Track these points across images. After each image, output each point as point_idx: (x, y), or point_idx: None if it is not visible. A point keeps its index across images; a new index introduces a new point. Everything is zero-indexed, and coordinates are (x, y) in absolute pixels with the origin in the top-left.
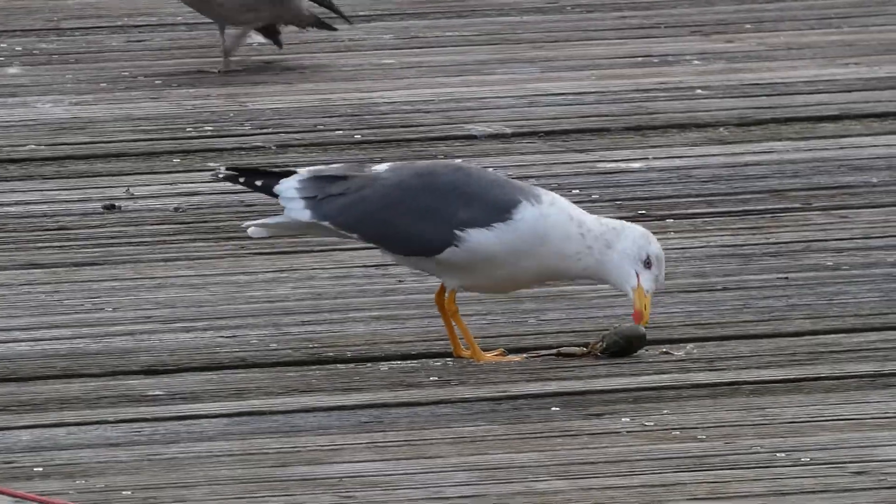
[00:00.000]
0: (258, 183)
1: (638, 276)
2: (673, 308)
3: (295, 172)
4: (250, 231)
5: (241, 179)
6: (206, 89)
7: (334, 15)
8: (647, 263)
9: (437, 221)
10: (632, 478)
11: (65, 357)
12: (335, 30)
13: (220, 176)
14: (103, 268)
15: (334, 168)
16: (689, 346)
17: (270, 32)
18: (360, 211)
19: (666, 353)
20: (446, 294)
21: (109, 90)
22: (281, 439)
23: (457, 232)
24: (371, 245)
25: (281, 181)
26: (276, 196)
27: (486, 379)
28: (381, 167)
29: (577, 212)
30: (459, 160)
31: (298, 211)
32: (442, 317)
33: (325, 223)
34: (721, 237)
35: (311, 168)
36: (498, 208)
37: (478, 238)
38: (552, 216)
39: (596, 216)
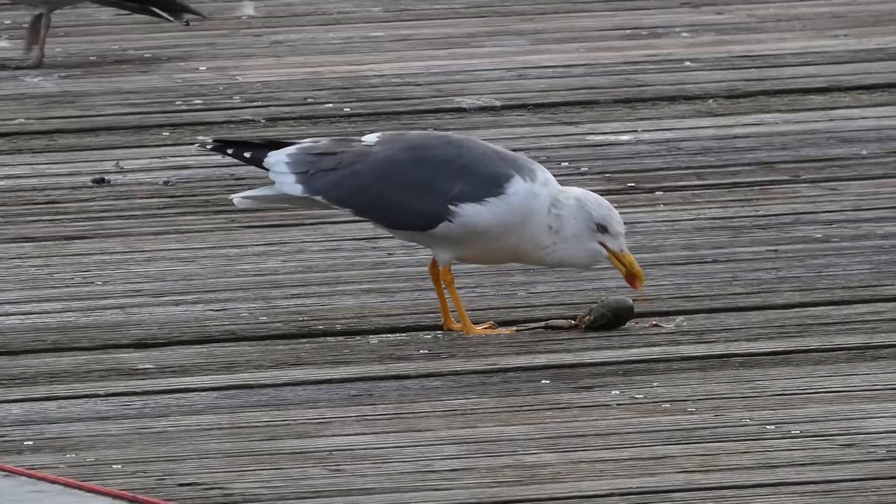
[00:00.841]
0: (247, 155)
1: (604, 245)
2: (662, 280)
3: (282, 145)
4: (237, 202)
5: (230, 151)
6: (196, 63)
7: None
8: (602, 228)
9: (430, 196)
10: (622, 450)
11: (55, 330)
12: (204, 17)
13: (208, 147)
14: (93, 241)
15: (322, 143)
16: (679, 318)
17: (145, 9)
18: (352, 185)
19: (656, 325)
20: (440, 266)
21: (98, 63)
22: (270, 412)
23: (450, 207)
24: (364, 219)
25: (270, 154)
26: (265, 169)
27: (475, 352)
28: (370, 138)
29: (553, 202)
30: (450, 132)
31: (290, 185)
32: (435, 288)
33: (318, 198)
34: (710, 209)
35: (300, 145)
36: (491, 182)
37: (471, 213)
38: (542, 197)
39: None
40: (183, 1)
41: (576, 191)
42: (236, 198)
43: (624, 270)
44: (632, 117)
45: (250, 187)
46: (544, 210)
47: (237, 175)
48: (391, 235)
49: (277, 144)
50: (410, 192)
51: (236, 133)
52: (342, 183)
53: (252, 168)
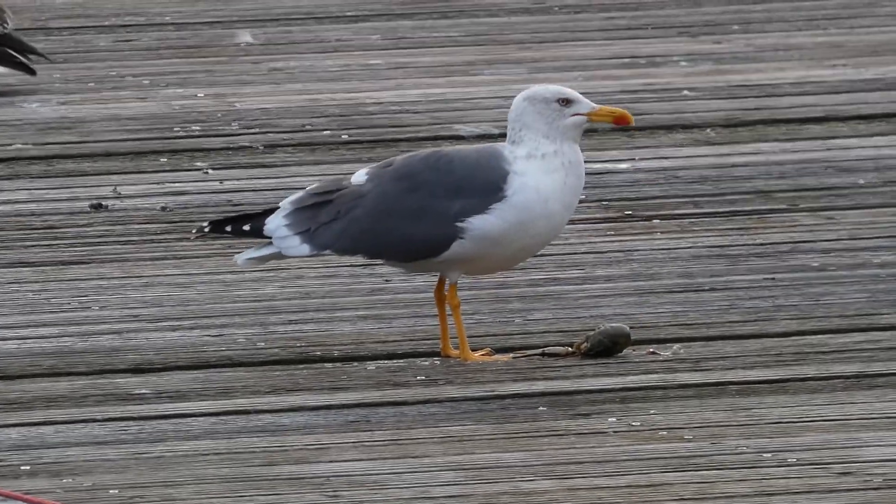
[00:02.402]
0: (246, 228)
1: (574, 115)
2: (660, 308)
3: (277, 208)
4: (240, 263)
5: (228, 228)
6: (194, 89)
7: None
8: (564, 101)
9: (433, 221)
10: (619, 478)
11: (52, 355)
12: (33, 73)
13: (206, 230)
14: (90, 266)
15: (313, 192)
16: (676, 346)
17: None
18: (356, 231)
19: (653, 353)
20: (446, 288)
21: (97, 90)
22: (267, 438)
23: (458, 224)
24: (377, 261)
25: (267, 220)
26: (268, 237)
27: (473, 378)
28: (359, 177)
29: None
30: (432, 148)
31: (297, 248)
32: (438, 312)
33: (326, 252)
34: (708, 238)
35: (290, 199)
36: (489, 189)
37: (480, 224)
38: (527, 173)
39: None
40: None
41: (517, 97)
42: (240, 259)
43: (611, 118)
44: (629, 146)
45: (249, 211)
46: (539, 164)
47: (234, 201)
48: (402, 272)
49: (271, 210)
50: (414, 221)
51: (234, 159)
52: (346, 232)
53: (249, 195)
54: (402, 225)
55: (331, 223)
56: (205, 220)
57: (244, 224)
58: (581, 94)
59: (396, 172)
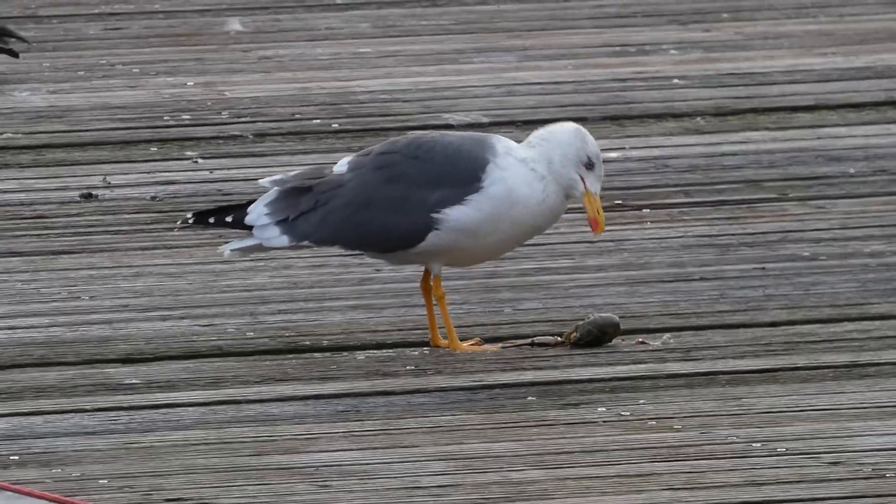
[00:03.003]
0: (228, 220)
1: (583, 180)
2: (649, 298)
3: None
4: (226, 254)
5: (211, 220)
6: (184, 78)
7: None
8: (589, 165)
9: (411, 211)
10: (608, 467)
11: (42, 345)
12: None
13: (191, 222)
14: (80, 256)
15: (296, 176)
16: (666, 335)
17: None
18: (334, 222)
19: (642, 342)
20: (431, 279)
21: (87, 78)
22: (257, 428)
23: (433, 215)
24: (356, 251)
25: (249, 209)
26: (249, 228)
27: (462, 368)
28: (341, 166)
29: (518, 148)
30: (412, 135)
31: (277, 238)
32: (425, 303)
33: (305, 243)
34: (698, 227)
35: (273, 179)
36: (467, 179)
37: (457, 216)
38: (511, 167)
39: (525, 141)
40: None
41: (572, 124)
42: (225, 250)
43: (591, 213)
44: (620, 134)
45: (238, 201)
46: (522, 174)
47: (224, 190)
48: (386, 263)
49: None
50: (391, 212)
51: (224, 148)
52: (324, 222)
53: (240, 184)
54: (380, 216)
55: (309, 213)
56: (194, 210)
57: (227, 215)
58: (574, 83)
59: (376, 161)
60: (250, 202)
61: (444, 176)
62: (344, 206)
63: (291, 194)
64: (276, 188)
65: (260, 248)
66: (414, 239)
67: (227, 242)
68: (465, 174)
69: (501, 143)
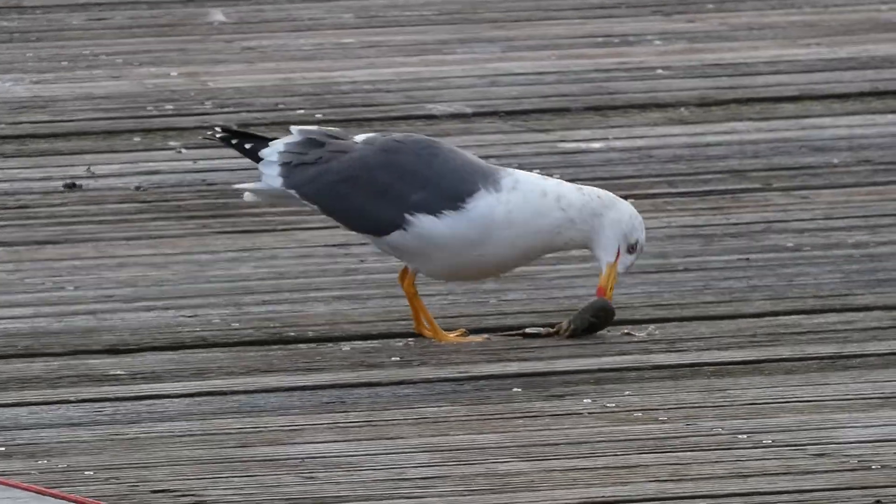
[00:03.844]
0: (247, 146)
1: (618, 254)
2: (634, 289)
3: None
4: (245, 195)
5: (234, 142)
6: (167, 68)
7: None
8: (632, 248)
9: (390, 202)
10: (594, 459)
11: (26, 336)
12: None
13: (218, 136)
14: (64, 246)
15: (323, 131)
16: (651, 327)
17: None
18: (323, 183)
19: (628, 334)
20: (409, 274)
21: (70, 68)
22: (242, 419)
23: (406, 216)
24: (329, 218)
25: (270, 143)
26: (260, 159)
27: (447, 359)
28: (360, 137)
29: (554, 185)
30: (434, 139)
31: (273, 177)
32: (406, 295)
33: (292, 192)
34: (682, 218)
35: (303, 128)
36: (451, 195)
37: (426, 225)
38: (513, 202)
39: (576, 186)
40: None
41: (628, 206)
42: (246, 191)
43: (604, 282)
44: (603, 125)
45: (223, 193)
46: (531, 205)
47: (208, 181)
48: (367, 242)
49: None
50: (372, 196)
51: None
52: (315, 179)
53: (224, 174)
54: (362, 195)
55: (309, 167)
56: (181, 198)
57: (249, 143)
58: (557, 73)
59: (384, 145)
60: (276, 138)
61: (434, 184)
62: (336, 172)
63: (308, 144)
64: (299, 133)
65: (269, 195)
66: (381, 230)
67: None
68: (453, 191)
69: (512, 179)
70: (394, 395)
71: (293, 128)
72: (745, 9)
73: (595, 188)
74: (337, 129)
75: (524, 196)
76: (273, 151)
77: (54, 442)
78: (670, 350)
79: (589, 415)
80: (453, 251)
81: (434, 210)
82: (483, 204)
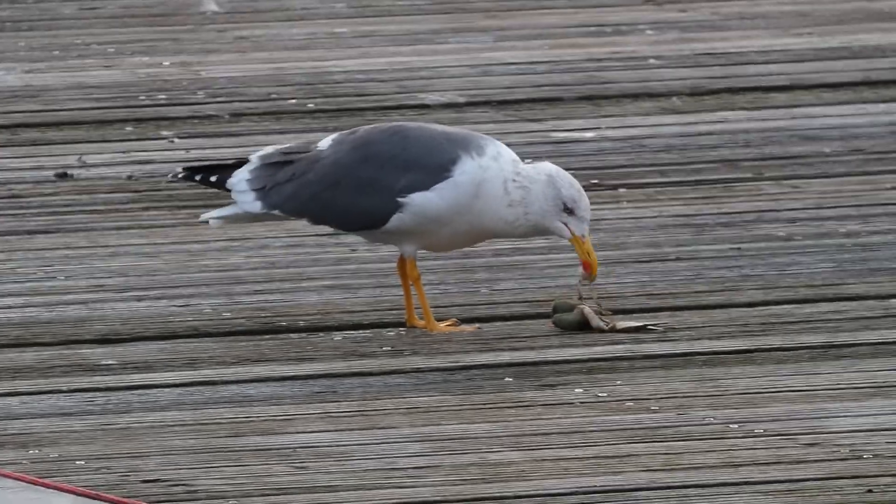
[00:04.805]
0: (213, 179)
1: (567, 225)
2: (626, 278)
3: (247, 161)
4: (211, 223)
5: (198, 178)
6: (160, 57)
7: None
8: (568, 210)
9: (378, 193)
10: (585, 449)
11: (18, 326)
12: None
13: (180, 176)
14: (56, 236)
15: (282, 150)
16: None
17: None
18: (305, 195)
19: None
20: (406, 260)
21: (62, 58)
22: (234, 409)
23: (399, 199)
24: (323, 225)
25: (234, 173)
26: (229, 191)
27: (439, 349)
28: (325, 143)
29: (512, 176)
30: (398, 122)
31: (250, 203)
32: (402, 284)
33: (275, 212)
34: (674, 207)
35: (261, 153)
36: (437, 168)
37: (421, 201)
38: (491, 170)
39: (519, 168)
40: None
41: (549, 167)
42: (211, 219)
43: (583, 256)
44: (595, 114)
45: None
46: (499, 184)
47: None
48: (363, 241)
49: (243, 163)
50: (359, 193)
51: (200, 128)
52: (296, 194)
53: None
54: (348, 194)
55: (285, 184)
56: (172, 188)
57: (214, 174)
58: (550, 63)
59: (356, 141)
60: (238, 163)
61: (416, 163)
62: (317, 181)
63: (273, 166)
64: (259, 160)
65: (241, 217)
66: (378, 221)
67: (209, 212)
68: (438, 164)
69: (494, 148)
70: (385, 384)
71: (252, 156)
72: None
73: (526, 170)
74: (295, 143)
75: (496, 175)
76: (240, 180)
77: (46, 431)
78: (662, 339)
79: (581, 404)
80: (447, 220)
81: (424, 186)
82: (469, 168)
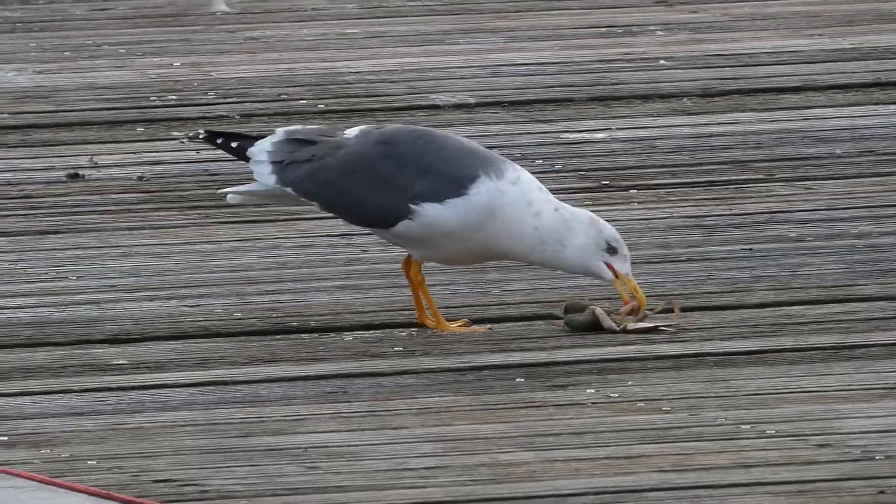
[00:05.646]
0: (234, 145)
1: (610, 266)
2: (637, 279)
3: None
4: (228, 198)
5: (219, 141)
6: (170, 58)
7: None
8: (612, 250)
9: (393, 193)
10: (597, 449)
11: (29, 326)
12: None
13: (201, 137)
14: (67, 236)
15: (309, 130)
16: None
17: None
18: (321, 179)
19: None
20: (413, 262)
21: (73, 59)
22: (245, 409)
23: (411, 206)
24: (330, 213)
25: (256, 143)
26: (248, 158)
27: (450, 349)
28: (352, 131)
29: (540, 199)
30: (428, 127)
31: (265, 175)
32: (409, 285)
33: (288, 189)
34: (685, 208)
35: (288, 129)
36: (454, 182)
37: (432, 213)
38: (510, 194)
39: (557, 204)
40: None
41: (585, 211)
42: (229, 194)
43: (627, 296)
44: (606, 115)
45: (226, 183)
46: (521, 208)
47: (212, 171)
48: (368, 232)
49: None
50: (374, 188)
51: (211, 129)
52: (312, 176)
53: (226, 164)
54: (363, 188)
55: (303, 163)
56: (183, 188)
57: (235, 141)
58: (560, 64)
59: (380, 137)
60: (261, 137)
61: (436, 171)
62: (334, 168)
63: (296, 142)
64: (284, 134)
65: (257, 195)
66: (386, 222)
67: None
68: (455, 178)
69: (515, 172)
70: (396, 384)
71: (278, 129)
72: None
73: (565, 208)
74: (321, 126)
75: (517, 197)
76: (261, 150)
77: (57, 431)
78: (673, 340)
79: (592, 405)
80: (459, 237)
81: (438, 198)
82: (485, 189)
